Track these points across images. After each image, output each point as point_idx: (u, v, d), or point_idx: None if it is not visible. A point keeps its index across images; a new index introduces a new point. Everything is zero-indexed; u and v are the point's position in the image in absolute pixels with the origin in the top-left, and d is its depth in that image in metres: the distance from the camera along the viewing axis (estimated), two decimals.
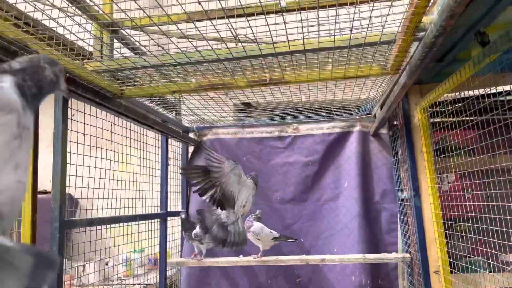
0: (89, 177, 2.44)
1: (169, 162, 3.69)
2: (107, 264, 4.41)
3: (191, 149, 3.90)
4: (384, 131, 3.62)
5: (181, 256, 3.72)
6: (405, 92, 2.40)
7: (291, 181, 3.65)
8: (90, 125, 2.30)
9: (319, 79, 2.07)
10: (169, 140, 3.63)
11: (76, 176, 2.17)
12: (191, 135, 3.80)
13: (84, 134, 2.22)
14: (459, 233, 3.04)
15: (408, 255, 3.08)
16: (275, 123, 3.77)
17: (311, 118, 3.73)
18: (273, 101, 3.08)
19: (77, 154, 2.15)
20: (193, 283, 3.62)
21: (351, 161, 3.57)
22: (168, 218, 3.67)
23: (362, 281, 3.35)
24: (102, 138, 2.51)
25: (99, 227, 2.38)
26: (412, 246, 3.13)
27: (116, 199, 2.75)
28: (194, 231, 3.27)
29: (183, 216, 3.32)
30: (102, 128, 2.43)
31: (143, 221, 3.14)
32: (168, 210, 3.55)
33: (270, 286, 3.56)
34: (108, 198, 2.71)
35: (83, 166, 2.28)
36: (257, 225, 3.18)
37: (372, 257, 3.09)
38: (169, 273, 4.08)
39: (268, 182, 3.69)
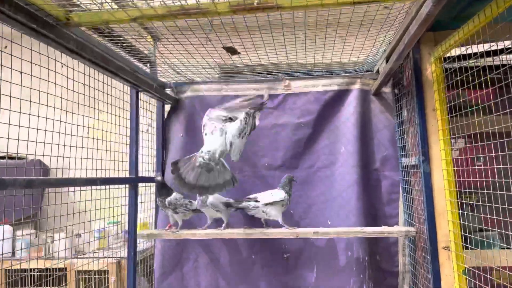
0: (58, 144, 2.27)
1: (142, 122, 3.23)
2: (79, 236, 4.01)
3: (167, 108, 3.43)
4: (387, 89, 3.19)
5: (155, 228, 3.30)
6: (422, 31, 1.96)
7: (281, 146, 3.22)
8: (61, 86, 1.92)
9: (321, 4, 1.61)
10: (143, 98, 3.16)
11: (45, 142, 2.04)
12: (168, 91, 3.32)
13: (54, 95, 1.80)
14: (473, 202, 2.67)
15: (412, 229, 2.70)
16: (263, 79, 3.31)
17: (305, 73, 3.28)
18: (263, 59, 2.62)
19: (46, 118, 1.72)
20: (168, 258, 3.22)
21: (349, 123, 3.15)
22: (143, 185, 3.24)
23: (359, 257, 2.98)
24: (73, 102, 2.30)
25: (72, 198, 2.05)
26: (416, 219, 2.75)
27: (89, 169, 2.54)
28: (169, 198, 2.84)
29: (159, 178, 2.88)
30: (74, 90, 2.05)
31: (108, 187, 2.71)
32: (143, 175, 3.11)
33: (254, 262, 3.18)
34: (82, 169, 2.43)
35: (53, 131, 2.12)
36: (213, 196, 2.85)
37: (371, 230, 2.70)
38: (146, 245, 3.67)
39: (255, 146, 3.26)
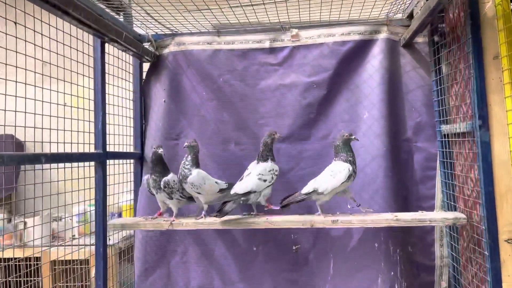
0: (35, 114, 1.95)
1: (123, 87, 2.59)
2: (60, 220, 3.42)
3: (146, 66, 2.78)
4: (421, 39, 2.53)
5: (134, 214, 2.69)
6: None
7: (288, 112, 2.59)
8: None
9: None
10: (119, 54, 2.52)
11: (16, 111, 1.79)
12: (146, 46, 2.65)
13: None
14: None
15: (462, 215, 2.08)
16: (265, 28, 2.64)
17: (316, 20, 2.61)
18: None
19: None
20: (151, 250, 2.63)
21: (373, 81, 2.51)
22: (117, 162, 2.62)
23: (389, 249, 2.39)
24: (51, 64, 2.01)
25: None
26: (462, 202, 2.15)
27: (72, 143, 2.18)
28: (166, 178, 2.22)
29: (159, 151, 2.27)
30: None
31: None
32: (117, 150, 2.49)
33: (256, 255, 2.59)
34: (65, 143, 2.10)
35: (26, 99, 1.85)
36: (196, 174, 2.22)
37: (408, 217, 2.09)
38: (126, 233, 3.07)
39: (255, 113, 2.62)
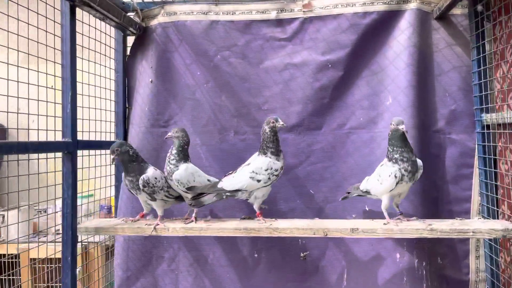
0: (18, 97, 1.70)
1: (96, 60, 2.19)
2: (44, 211, 3.06)
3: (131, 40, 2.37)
4: (459, 10, 2.11)
5: (115, 215, 2.31)
6: None
7: (297, 96, 2.19)
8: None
9: None
10: (101, 26, 2.13)
11: None
12: (131, 16, 2.24)
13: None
14: None
15: None
16: None
17: None
18: None
19: None
20: (133, 256, 2.25)
21: (400, 61, 2.10)
22: (95, 153, 2.24)
23: (413, 262, 2.01)
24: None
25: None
26: (507, 207, 1.76)
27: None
28: (145, 176, 1.84)
29: (124, 149, 1.86)
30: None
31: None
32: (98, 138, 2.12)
33: (257, 263, 2.21)
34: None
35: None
36: (184, 169, 1.86)
37: (446, 227, 1.69)
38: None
39: (259, 97, 2.22)
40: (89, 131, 2.17)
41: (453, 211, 2.08)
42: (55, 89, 1.88)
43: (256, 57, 2.23)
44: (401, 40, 2.10)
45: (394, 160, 1.75)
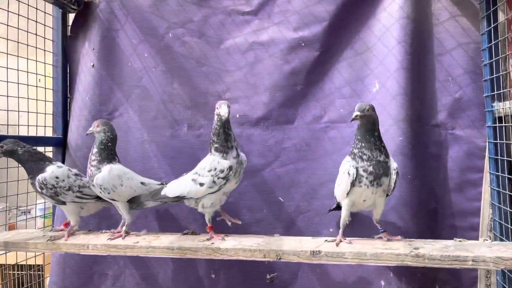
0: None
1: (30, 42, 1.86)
2: (25, 213, 2.76)
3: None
4: None
5: (52, 224, 1.97)
6: None
7: (264, 82, 1.81)
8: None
9: None
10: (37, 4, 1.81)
11: None
12: None
13: None
14: None
15: None
16: None
17: None
18: None
19: None
20: (71, 272, 1.90)
21: (389, 38, 1.68)
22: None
23: None
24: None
25: None
26: None
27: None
28: (42, 175, 1.50)
29: (9, 147, 1.53)
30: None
31: None
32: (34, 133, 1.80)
33: (215, 285, 1.82)
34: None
35: None
36: (108, 172, 1.52)
37: (437, 252, 1.26)
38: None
39: (218, 84, 1.84)
40: (27, 125, 1.85)
41: (456, 227, 1.65)
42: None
43: (215, 35, 1.85)
44: (391, 10, 1.69)
45: (352, 155, 1.39)
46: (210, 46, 1.85)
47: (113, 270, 1.90)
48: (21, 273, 2.22)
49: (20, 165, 1.59)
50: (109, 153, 1.54)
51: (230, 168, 1.45)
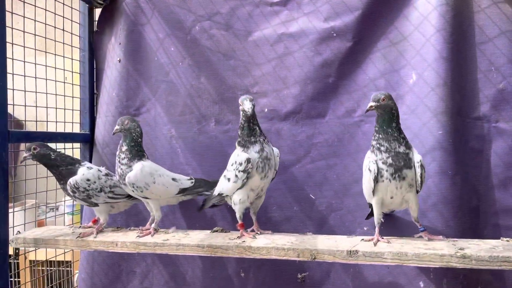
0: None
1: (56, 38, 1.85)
2: (54, 209, 2.79)
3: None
4: None
5: (81, 222, 1.96)
6: None
7: (294, 75, 1.74)
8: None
9: None
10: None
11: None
12: None
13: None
14: None
15: None
16: None
17: None
18: None
19: None
20: (99, 270, 1.89)
21: (427, 26, 1.60)
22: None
23: None
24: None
25: None
26: None
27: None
28: (73, 179, 1.48)
29: (43, 151, 1.51)
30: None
31: None
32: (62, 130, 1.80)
33: (244, 284, 1.78)
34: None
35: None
36: (140, 169, 1.48)
37: (485, 253, 1.18)
38: None
39: (246, 77, 1.79)
40: (55, 121, 1.85)
41: (500, 225, 1.55)
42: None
43: (243, 28, 1.79)
44: None
45: (371, 149, 1.33)
46: (238, 39, 1.79)
47: (141, 268, 1.88)
48: (50, 269, 2.23)
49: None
50: (138, 149, 1.51)
51: (248, 160, 1.39)
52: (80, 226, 1.69)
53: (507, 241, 1.32)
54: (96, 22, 1.98)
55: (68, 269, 2.25)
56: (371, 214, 1.54)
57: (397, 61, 1.65)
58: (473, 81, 1.59)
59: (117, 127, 1.52)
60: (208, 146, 1.81)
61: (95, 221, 1.66)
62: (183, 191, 1.56)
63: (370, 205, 1.46)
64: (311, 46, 1.72)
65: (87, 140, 1.94)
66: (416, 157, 1.31)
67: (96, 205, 1.53)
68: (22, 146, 1.97)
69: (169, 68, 1.84)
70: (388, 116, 1.31)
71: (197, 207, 1.77)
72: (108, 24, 1.95)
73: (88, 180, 1.50)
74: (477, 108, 1.59)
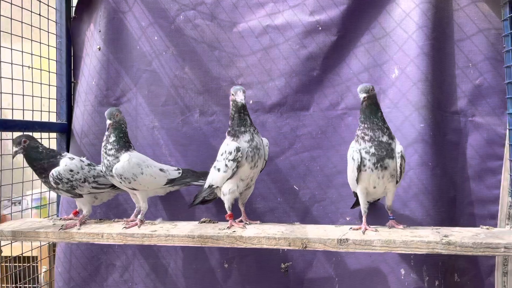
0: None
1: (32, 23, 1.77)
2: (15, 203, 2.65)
3: None
4: None
5: (57, 214, 1.89)
6: None
7: (279, 67, 1.76)
8: None
9: None
10: None
11: None
12: None
13: None
14: None
15: None
16: None
17: None
18: None
19: None
20: (77, 263, 1.84)
21: (409, 23, 1.65)
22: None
23: (423, 279, 1.56)
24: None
25: None
26: None
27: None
28: (56, 171, 1.43)
29: (33, 143, 1.46)
30: None
31: None
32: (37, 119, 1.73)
33: (228, 275, 1.78)
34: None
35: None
36: (127, 161, 1.46)
37: (468, 240, 1.24)
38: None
39: (231, 68, 1.78)
40: (32, 110, 1.77)
41: (475, 215, 1.64)
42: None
43: (228, 18, 1.79)
44: None
45: (355, 138, 1.38)
46: (223, 30, 1.78)
47: (121, 260, 1.84)
48: (13, 265, 2.13)
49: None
50: (126, 140, 1.50)
51: (238, 149, 1.40)
52: (60, 218, 1.63)
53: (487, 228, 1.40)
54: (73, 8, 1.91)
55: (34, 264, 2.17)
56: (356, 204, 1.58)
57: (380, 56, 1.70)
58: (451, 77, 1.66)
59: (109, 121, 1.47)
60: (192, 137, 1.79)
61: (76, 213, 1.61)
62: (171, 181, 1.54)
63: (356, 194, 1.50)
64: (297, 39, 1.73)
65: (65, 130, 1.87)
66: (398, 148, 1.36)
67: (80, 196, 1.49)
68: None
69: (152, 57, 1.81)
70: (375, 106, 1.36)
71: (182, 201, 1.76)
72: (87, 11, 1.89)
73: (71, 170, 1.45)
74: (455, 102, 1.66)
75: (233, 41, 1.78)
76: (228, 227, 1.43)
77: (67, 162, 1.46)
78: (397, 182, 1.40)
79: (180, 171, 1.58)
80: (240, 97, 1.38)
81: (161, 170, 1.53)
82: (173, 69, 1.80)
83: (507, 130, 1.58)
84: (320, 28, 1.71)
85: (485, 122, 1.63)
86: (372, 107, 1.35)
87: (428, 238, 1.25)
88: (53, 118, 1.89)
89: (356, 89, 1.68)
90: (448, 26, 1.66)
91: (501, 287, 1.62)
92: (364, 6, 1.70)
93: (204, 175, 1.58)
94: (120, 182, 1.47)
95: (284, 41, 1.74)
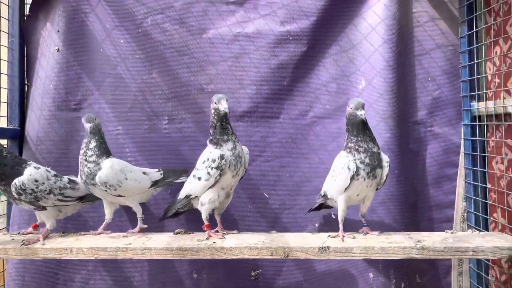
0: None
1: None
2: None
3: None
4: None
5: (7, 228, 1.74)
6: None
7: (249, 75, 1.76)
8: None
9: None
10: None
11: None
12: None
13: None
14: None
15: None
16: None
17: None
18: None
19: None
20: (31, 279, 1.71)
21: (375, 37, 1.72)
22: None
23: (390, 282, 1.64)
24: None
25: None
26: (501, 215, 1.43)
27: None
28: (19, 180, 1.31)
29: None
30: None
31: None
32: None
33: (197, 284, 1.75)
34: None
35: None
36: (110, 167, 1.42)
37: (439, 245, 1.32)
38: None
39: (200, 75, 1.76)
40: None
41: (434, 219, 1.74)
42: None
43: (198, 24, 1.76)
44: (377, 10, 1.72)
45: (348, 150, 1.41)
46: (192, 35, 1.75)
47: (81, 275, 1.74)
48: None
49: None
50: (106, 146, 1.43)
51: (222, 157, 1.39)
52: (18, 233, 1.50)
53: (452, 233, 1.50)
54: (28, 5, 1.78)
55: None
56: (315, 209, 1.61)
57: (348, 67, 1.76)
58: (413, 89, 1.76)
59: (89, 124, 1.40)
60: (160, 144, 1.74)
61: (36, 227, 1.50)
62: (154, 183, 1.50)
63: (320, 203, 1.54)
64: (268, 48, 1.75)
65: (17, 136, 1.74)
66: (385, 158, 1.42)
67: (43, 208, 1.38)
68: None
69: (117, 61, 1.73)
70: (365, 123, 1.39)
71: (148, 212, 1.69)
72: (43, 9, 1.77)
73: (36, 181, 1.34)
74: (415, 113, 1.76)
75: (203, 48, 1.75)
76: (206, 238, 1.41)
77: (32, 172, 1.35)
78: (377, 189, 1.46)
79: (161, 171, 1.55)
80: (223, 106, 1.37)
81: (144, 173, 1.49)
82: (140, 74, 1.74)
83: (462, 139, 1.71)
84: (291, 38, 1.74)
85: (442, 132, 1.75)
86: (364, 124, 1.39)
87: (403, 244, 1.32)
88: (3, 123, 1.74)
89: (324, 98, 1.76)
90: (409, 41, 1.76)
91: (457, 286, 1.74)
92: (333, 19, 1.75)
93: (184, 172, 1.56)
94: (105, 191, 1.39)
95: (255, 49, 1.75)
